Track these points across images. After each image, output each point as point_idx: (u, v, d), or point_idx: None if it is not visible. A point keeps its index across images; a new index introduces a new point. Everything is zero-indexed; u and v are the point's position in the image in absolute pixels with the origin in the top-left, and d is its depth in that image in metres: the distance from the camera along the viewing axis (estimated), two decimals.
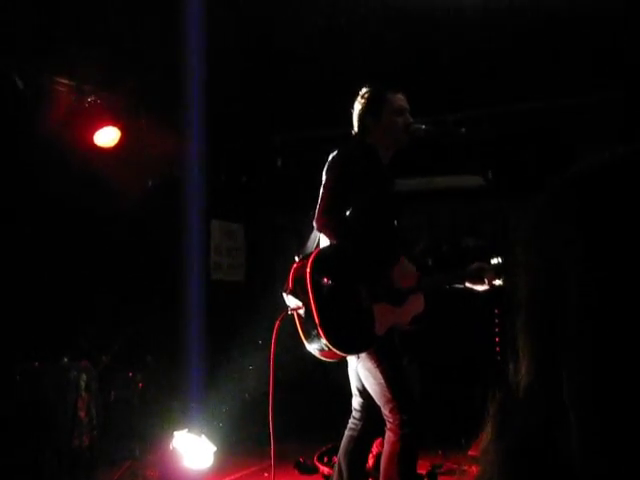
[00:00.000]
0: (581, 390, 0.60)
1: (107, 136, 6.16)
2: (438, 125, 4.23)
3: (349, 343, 3.32)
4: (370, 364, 3.37)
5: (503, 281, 3.43)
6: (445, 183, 7.48)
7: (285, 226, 8.11)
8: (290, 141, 7.58)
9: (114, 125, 6.15)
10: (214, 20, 4.97)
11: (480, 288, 3.51)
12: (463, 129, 3.79)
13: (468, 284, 3.55)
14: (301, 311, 3.26)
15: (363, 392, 3.54)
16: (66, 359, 5.49)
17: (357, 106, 3.67)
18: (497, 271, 3.48)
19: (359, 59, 5.49)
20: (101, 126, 6.11)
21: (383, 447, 3.47)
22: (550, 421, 0.63)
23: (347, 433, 3.63)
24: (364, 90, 3.69)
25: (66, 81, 5.85)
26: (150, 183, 6.89)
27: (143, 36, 5.20)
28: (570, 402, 0.61)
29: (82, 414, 5.36)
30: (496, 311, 6.37)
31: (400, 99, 3.65)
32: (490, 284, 3.48)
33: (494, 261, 3.52)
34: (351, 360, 3.52)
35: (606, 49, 5.32)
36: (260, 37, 5.41)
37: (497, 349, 6.21)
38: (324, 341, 3.20)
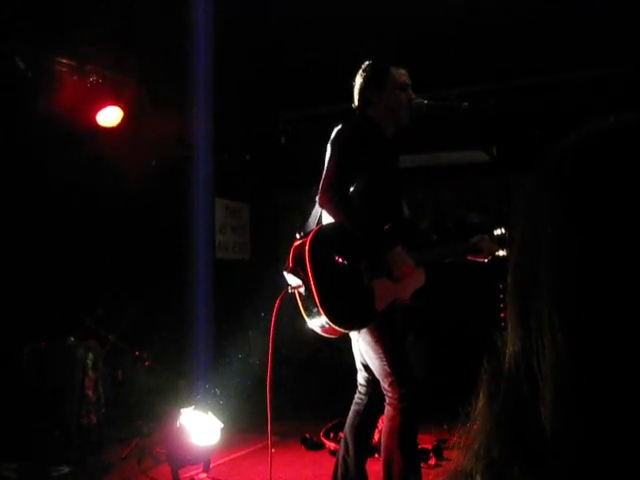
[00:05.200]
0: (554, 361, 0.61)
1: (110, 116, 6.15)
2: (441, 100, 4.20)
3: (349, 319, 3.33)
4: (370, 338, 3.38)
5: (506, 252, 3.43)
6: (449, 159, 7.45)
7: (289, 204, 8.11)
8: (294, 119, 7.56)
9: (117, 105, 6.14)
10: (219, 0, 4.94)
11: (482, 260, 3.52)
12: (466, 104, 3.75)
13: (470, 258, 3.56)
14: (301, 289, 3.26)
15: (367, 367, 3.55)
16: (73, 338, 5.52)
17: (359, 79, 3.64)
18: (500, 242, 3.49)
19: (362, 36, 5.44)
20: (104, 106, 6.09)
21: None
22: (527, 391, 0.64)
23: (353, 408, 3.65)
24: (366, 64, 3.65)
25: (68, 61, 5.83)
26: (154, 162, 6.88)
27: (146, 15, 5.16)
28: (540, 372, 0.62)
29: (90, 393, 5.41)
30: (500, 286, 6.37)
31: (403, 74, 3.63)
32: (493, 255, 3.49)
33: (497, 232, 3.52)
34: (353, 335, 3.53)
35: (611, 23, 5.26)
36: (264, 16, 5.37)
37: (502, 324, 6.22)
38: (324, 318, 3.21)
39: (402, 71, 3.63)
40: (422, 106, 3.63)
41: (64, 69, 5.83)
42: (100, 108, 6.08)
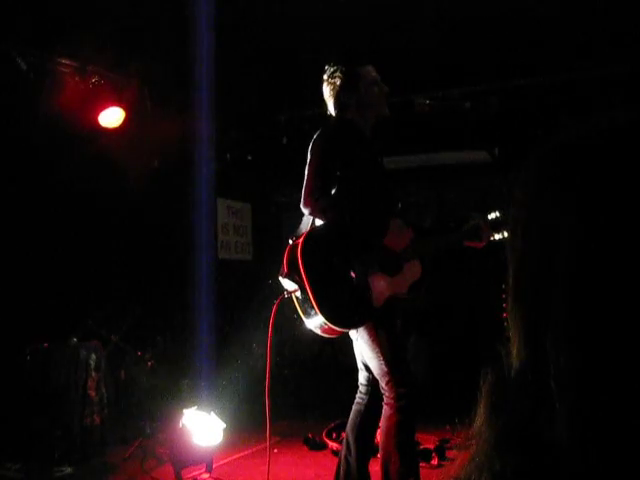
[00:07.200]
0: (568, 375, 0.59)
1: (112, 116, 6.15)
2: (443, 100, 4.20)
3: (347, 318, 3.34)
4: (367, 337, 3.38)
5: (503, 235, 3.44)
6: (451, 159, 7.45)
7: (291, 204, 8.09)
8: (295, 119, 7.55)
9: (118, 105, 6.14)
10: (221, 1, 4.94)
11: (478, 245, 3.54)
12: (468, 103, 3.75)
13: (467, 244, 3.57)
14: (298, 293, 3.27)
15: (368, 366, 3.55)
16: (75, 339, 5.53)
17: (329, 86, 3.62)
18: (494, 226, 3.49)
19: (363, 36, 5.44)
20: (105, 106, 6.09)
21: None
22: (538, 404, 0.61)
23: (354, 408, 3.65)
24: (332, 69, 3.62)
25: (69, 62, 5.83)
26: (156, 163, 6.88)
27: (147, 16, 5.17)
28: (556, 387, 0.60)
29: (92, 393, 5.41)
30: (504, 286, 6.37)
31: (371, 70, 3.64)
32: (488, 240, 3.50)
33: (491, 216, 3.52)
34: (353, 335, 3.53)
35: (611, 23, 5.26)
36: (266, 17, 5.37)
37: (505, 324, 6.22)
38: (322, 319, 3.22)
39: (369, 67, 3.65)
40: (424, 106, 3.64)
41: (66, 70, 5.83)
42: (102, 109, 6.08)
